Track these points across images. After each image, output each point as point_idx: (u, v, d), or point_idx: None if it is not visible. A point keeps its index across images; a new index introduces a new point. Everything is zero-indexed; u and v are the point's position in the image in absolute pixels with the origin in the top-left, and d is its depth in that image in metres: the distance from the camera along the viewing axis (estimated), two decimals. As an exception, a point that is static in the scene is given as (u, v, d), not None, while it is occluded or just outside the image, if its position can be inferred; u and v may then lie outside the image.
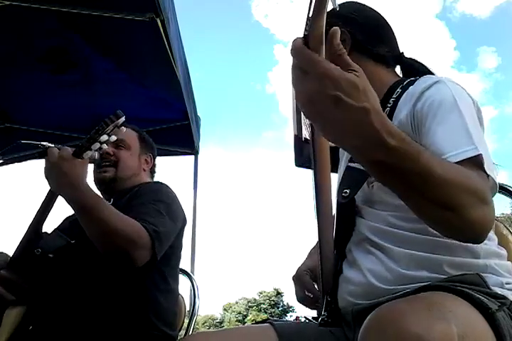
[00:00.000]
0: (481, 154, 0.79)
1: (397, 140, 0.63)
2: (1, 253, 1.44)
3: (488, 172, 0.79)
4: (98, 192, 1.50)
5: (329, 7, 0.62)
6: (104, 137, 1.29)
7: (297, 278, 1.19)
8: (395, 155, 0.63)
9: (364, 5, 1.14)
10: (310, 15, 0.61)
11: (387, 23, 1.13)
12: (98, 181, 1.59)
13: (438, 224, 0.74)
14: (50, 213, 1.42)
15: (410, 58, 1.12)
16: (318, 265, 1.04)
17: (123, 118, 1.30)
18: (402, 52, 1.12)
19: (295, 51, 0.61)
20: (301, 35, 0.63)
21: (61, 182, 1.26)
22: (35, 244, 1.35)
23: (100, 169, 1.57)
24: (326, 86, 0.59)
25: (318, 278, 1.05)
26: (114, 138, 1.32)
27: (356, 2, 1.15)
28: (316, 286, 1.15)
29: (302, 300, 1.18)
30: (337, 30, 0.62)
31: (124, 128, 1.34)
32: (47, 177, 1.29)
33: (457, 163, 0.78)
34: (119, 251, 1.25)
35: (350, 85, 0.59)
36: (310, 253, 1.27)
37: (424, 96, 0.91)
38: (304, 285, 1.17)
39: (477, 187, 0.72)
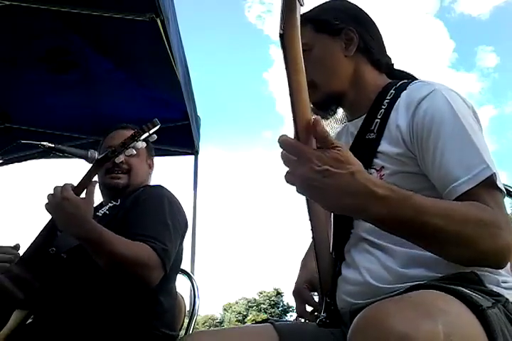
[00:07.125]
0: (494, 173, 0.83)
1: (384, 189, 0.72)
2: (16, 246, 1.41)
3: (500, 187, 0.84)
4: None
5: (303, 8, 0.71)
6: (139, 144, 1.35)
7: (297, 294, 1.20)
8: (386, 203, 0.71)
9: (364, 10, 1.16)
10: (283, 14, 0.70)
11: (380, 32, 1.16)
12: (109, 187, 1.58)
13: (452, 259, 0.81)
14: None
15: (399, 70, 1.14)
16: (315, 265, 1.05)
17: (157, 127, 1.36)
18: (393, 64, 1.15)
19: (284, 144, 0.72)
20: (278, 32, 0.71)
21: (66, 222, 1.28)
22: (50, 242, 1.37)
23: (112, 175, 1.57)
24: (315, 164, 0.70)
25: (317, 281, 1.06)
26: (144, 144, 1.38)
27: (358, 6, 1.16)
28: (316, 299, 1.16)
29: (302, 314, 1.20)
30: (319, 118, 0.73)
31: (155, 136, 1.39)
32: (51, 214, 1.30)
33: (473, 187, 0.83)
34: (132, 277, 1.29)
35: (335, 160, 0.70)
36: (302, 265, 1.27)
37: (421, 106, 0.93)
38: (305, 301, 1.18)
39: (482, 217, 0.77)
